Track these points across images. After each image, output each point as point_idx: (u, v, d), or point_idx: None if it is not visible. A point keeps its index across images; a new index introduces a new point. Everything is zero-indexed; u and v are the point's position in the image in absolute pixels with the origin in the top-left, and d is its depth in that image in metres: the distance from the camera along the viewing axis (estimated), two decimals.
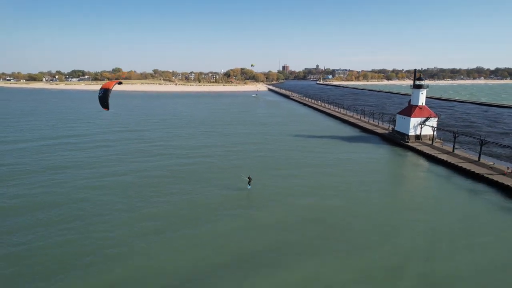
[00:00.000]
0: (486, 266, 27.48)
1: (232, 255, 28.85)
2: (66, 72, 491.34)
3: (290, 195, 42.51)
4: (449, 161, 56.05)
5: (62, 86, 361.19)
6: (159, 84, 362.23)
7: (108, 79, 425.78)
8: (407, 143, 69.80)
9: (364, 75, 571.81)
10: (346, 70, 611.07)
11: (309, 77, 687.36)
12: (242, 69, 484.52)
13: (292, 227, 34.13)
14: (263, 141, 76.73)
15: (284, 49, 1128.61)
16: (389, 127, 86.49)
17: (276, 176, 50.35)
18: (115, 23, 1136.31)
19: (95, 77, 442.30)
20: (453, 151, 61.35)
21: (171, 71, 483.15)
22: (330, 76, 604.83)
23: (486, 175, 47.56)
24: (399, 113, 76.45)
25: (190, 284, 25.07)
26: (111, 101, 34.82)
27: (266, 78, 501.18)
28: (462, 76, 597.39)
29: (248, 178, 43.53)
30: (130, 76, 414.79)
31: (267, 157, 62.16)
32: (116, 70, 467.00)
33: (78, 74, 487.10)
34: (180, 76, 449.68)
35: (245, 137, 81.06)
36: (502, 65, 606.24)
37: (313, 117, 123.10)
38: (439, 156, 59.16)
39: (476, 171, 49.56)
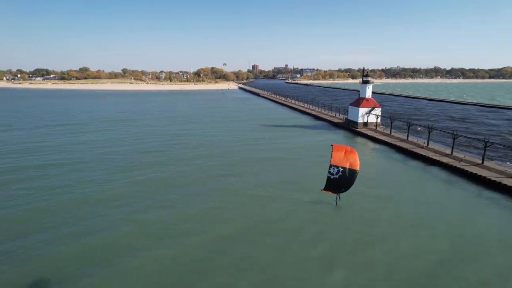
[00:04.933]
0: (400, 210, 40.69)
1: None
2: (28, 71, 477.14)
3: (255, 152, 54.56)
4: (386, 140, 70.40)
5: (26, 85, 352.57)
6: (130, 83, 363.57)
7: (76, 78, 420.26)
8: (357, 129, 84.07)
9: (330, 74, 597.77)
10: (313, 69, 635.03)
11: (278, 76, 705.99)
12: (212, 68, 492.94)
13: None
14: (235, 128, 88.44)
15: (254, 49, 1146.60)
16: (343, 117, 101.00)
17: (244, 148, 62.25)
18: (80, 22, 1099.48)
19: (62, 76, 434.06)
20: (391, 133, 76.19)
21: (140, 70, 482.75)
22: (298, 75, 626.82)
23: (409, 149, 61.99)
24: (351, 104, 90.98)
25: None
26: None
27: (237, 77, 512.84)
28: (421, 75, 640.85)
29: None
30: (99, 75, 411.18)
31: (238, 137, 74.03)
32: (84, 70, 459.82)
33: (42, 73, 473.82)
34: (150, 76, 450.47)
35: (219, 128, 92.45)
36: (456, 66, 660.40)
37: (281, 111, 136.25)
38: (379, 137, 73.54)
39: (403, 146, 64.01)
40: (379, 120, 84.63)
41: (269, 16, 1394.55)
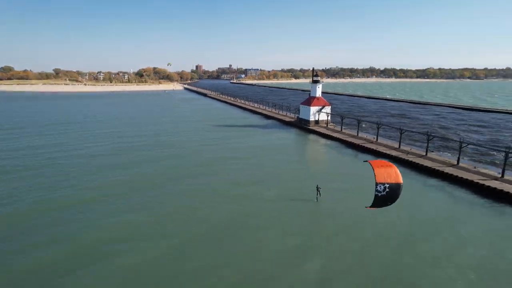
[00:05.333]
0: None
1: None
2: None
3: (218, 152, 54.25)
4: (338, 137, 74.13)
5: None
6: (65, 84, 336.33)
7: None
8: (309, 127, 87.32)
9: (274, 74, 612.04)
10: (257, 69, 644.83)
11: (222, 76, 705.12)
12: (154, 68, 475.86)
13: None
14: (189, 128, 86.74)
15: (197, 49, 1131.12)
16: (295, 116, 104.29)
17: (206, 145, 61.52)
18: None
19: None
20: (341, 130, 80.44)
21: (75, 70, 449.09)
22: (243, 75, 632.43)
23: (361, 144, 66.02)
24: (302, 103, 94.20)
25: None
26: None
27: (181, 77, 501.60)
28: (358, 75, 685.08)
29: (317, 187, 39.98)
30: (27, 76, 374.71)
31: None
32: (7, 69, 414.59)
33: None
34: (87, 76, 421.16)
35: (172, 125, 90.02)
36: (388, 66, 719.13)
37: (231, 111, 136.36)
38: (332, 134, 77.20)
39: (355, 142, 67.95)
40: (329, 118, 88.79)
41: (212, 16, 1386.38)
